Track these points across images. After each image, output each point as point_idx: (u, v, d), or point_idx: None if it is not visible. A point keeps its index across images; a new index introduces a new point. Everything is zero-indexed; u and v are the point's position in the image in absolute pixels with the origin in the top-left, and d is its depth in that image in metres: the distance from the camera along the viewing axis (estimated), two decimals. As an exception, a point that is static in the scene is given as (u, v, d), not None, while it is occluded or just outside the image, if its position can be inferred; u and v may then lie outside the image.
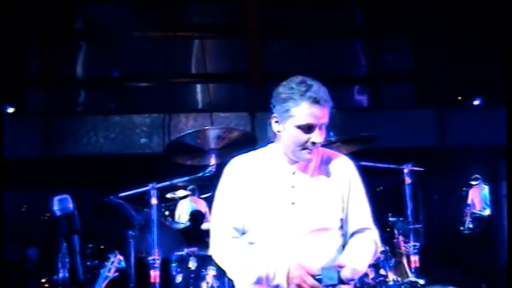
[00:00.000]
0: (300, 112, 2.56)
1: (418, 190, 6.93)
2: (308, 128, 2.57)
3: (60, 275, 2.46)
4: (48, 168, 5.82)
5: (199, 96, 6.68)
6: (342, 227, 2.70)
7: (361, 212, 2.73)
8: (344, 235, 2.73)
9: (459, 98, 7.13)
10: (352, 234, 2.74)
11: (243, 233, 2.67)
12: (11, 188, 5.39)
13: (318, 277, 2.43)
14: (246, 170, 2.67)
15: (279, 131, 2.64)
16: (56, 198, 2.55)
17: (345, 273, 2.42)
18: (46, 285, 4.89)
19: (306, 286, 2.45)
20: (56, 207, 2.54)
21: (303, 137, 2.57)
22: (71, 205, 2.54)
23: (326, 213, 2.65)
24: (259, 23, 6.59)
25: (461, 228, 7.18)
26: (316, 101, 2.54)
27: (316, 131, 2.57)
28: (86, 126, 5.95)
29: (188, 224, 5.60)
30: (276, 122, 2.64)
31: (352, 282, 2.46)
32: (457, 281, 5.29)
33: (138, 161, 5.90)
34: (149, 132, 5.93)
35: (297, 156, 2.63)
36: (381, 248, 2.90)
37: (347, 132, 4.47)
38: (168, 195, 5.77)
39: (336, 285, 2.41)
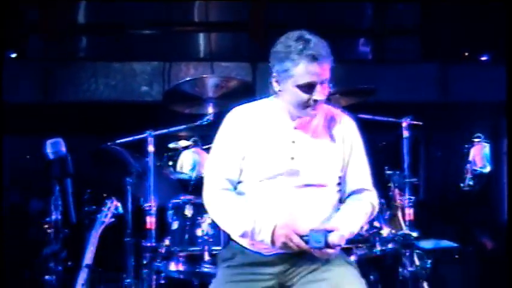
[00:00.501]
0: (299, 71, 2.51)
1: (420, 145, 6.94)
2: (309, 87, 2.53)
3: (53, 217, 2.49)
4: (48, 114, 5.82)
5: (200, 45, 6.59)
6: (339, 184, 2.70)
7: (360, 173, 2.72)
8: (341, 191, 2.73)
9: (466, 53, 7.02)
10: (350, 195, 2.74)
11: (238, 183, 2.67)
12: (10, 133, 5.40)
13: (305, 238, 2.43)
14: (247, 121, 2.65)
15: (280, 91, 2.61)
16: (49, 142, 2.56)
17: (333, 239, 2.42)
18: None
19: (292, 245, 2.45)
20: (48, 150, 2.55)
21: (304, 96, 2.54)
22: (63, 148, 2.54)
23: (324, 170, 2.63)
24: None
25: (462, 184, 7.18)
26: (314, 58, 2.48)
27: (318, 88, 2.53)
28: (86, 72, 5.90)
29: (192, 174, 5.60)
30: (276, 81, 2.61)
31: (338, 247, 2.45)
32: (457, 236, 5.35)
33: (138, 109, 5.88)
34: (150, 80, 5.89)
35: (301, 114, 2.62)
36: (377, 208, 2.91)
37: (349, 85, 4.44)
38: (171, 145, 5.77)
39: (322, 248, 2.41)
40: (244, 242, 2.66)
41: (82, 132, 5.81)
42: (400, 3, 6.80)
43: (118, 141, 3.86)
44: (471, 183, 7.19)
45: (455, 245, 4.79)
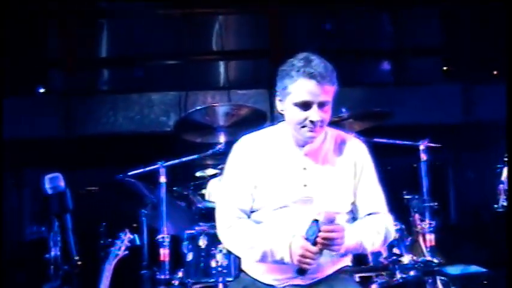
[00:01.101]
0: (295, 88, 2.49)
1: (448, 168, 6.75)
2: (304, 106, 2.49)
3: (52, 253, 2.48)
4: (69, 148, 5.87)
5: (219, 74, 6.59)
6: (351, 211, 2.65)
7: (373, 197, 2.66)
8: (353, 219, 2.67)
9: (494, 72, 6.85)
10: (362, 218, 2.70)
11: (252, 212, 2.64)
12: (32, 168, 5.46)
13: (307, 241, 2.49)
14: (255, 150, 2.63)
15: (282, 110, 2.60)
16: (47, 177, 2.56)
17: (320, 218, 2.44)
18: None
19: (309, 255, 2.43)
20: (47, 185, 2.55)
21: (300, 115, 2.51)
22: (62, 184, 2.54)
23: (338, 197, 2.59)
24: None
25: (495, 206, 6.96)
26: (312, 77, 2.45)
27: (314, 108, 2.48)
28: (105, 105, 5.95)
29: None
30: (280, 100, 2.59)
31: (332, 224, 2.43)
32: (490, 260, 5.14)
33: (156, 140, 5.88)
34: (167, 111, 5.90)
35: (301, 135, 2.58)
36: (394, 234, 2.83)
37: (366, 108, 4.35)
38: (198, 174, 5.75)
39: (318, 232, 2.43)
40: (257, 272, 2.63)
41: (103, 164, 5.84)
42: (420, 23, 6.69)
43: (130, 173, 3.85)
44: (505, 203, 6.97)
45: (484, 270, 4.60)
